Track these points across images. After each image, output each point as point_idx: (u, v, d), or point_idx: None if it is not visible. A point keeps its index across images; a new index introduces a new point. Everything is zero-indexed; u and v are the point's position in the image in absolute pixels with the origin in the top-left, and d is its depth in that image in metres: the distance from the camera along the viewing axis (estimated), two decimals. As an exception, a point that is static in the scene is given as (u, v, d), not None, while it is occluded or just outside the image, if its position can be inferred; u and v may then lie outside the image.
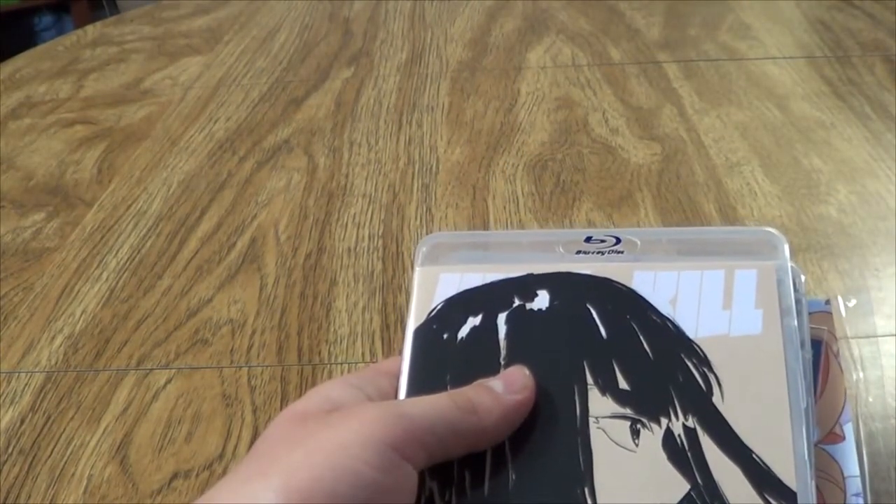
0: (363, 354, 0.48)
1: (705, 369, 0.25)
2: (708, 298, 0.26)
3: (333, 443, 0.23)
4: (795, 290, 0.26)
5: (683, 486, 0.24)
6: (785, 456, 0.23)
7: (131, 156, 0.74)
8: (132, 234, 0.62)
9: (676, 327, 0.26)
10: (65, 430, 0.45)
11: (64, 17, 2.72)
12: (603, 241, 0.28)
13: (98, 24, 1.12)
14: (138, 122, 0.81)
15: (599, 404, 0.25)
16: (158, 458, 0.43)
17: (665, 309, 0.26)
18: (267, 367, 0.48)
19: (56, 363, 0.50)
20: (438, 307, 0.29)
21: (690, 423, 0.24)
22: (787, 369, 0.24)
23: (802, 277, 0.28)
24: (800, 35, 0.88)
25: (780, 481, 0.23)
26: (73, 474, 0.42)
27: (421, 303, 0.29)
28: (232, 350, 0.50)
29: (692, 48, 0.86)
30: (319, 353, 0.49)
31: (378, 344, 0.49)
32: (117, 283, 0.57)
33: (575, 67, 0.84)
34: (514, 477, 0.25)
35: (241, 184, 0.67)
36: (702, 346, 0.25)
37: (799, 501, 0.23)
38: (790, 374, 0.24)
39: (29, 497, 0.41)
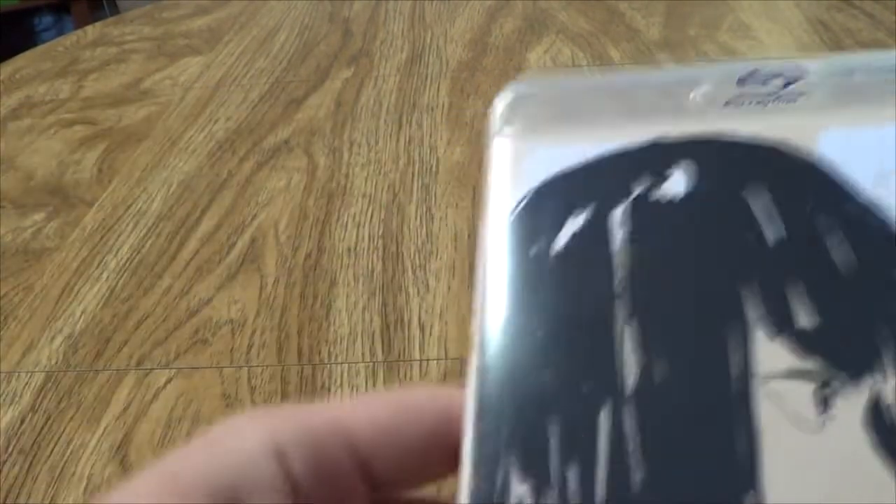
0: (363, 354, 0.48)
1: None
2: None
3: None
4: None
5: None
6: None
7: (131, 156, 0.74)
8: (132, 234, 0.62)
9: (889, 224, 0.16)
10: (65, 430, 0.45)
11: (64, 17, 2.73)
12: (767, 81, 0.18)
13: (98, 24, 1.12)
14: (138, 122, 0.81)
15: (768, 355, 0.16)
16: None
17: (872, 192, 0.16)
18: (267, 367, 0.48)
19: (56, 363, 0.50)
20: (521, 204, 0.18)
21: None
22: None
23: None
24: (800, 35, 0.88)
25: None
26: (73, 474, 0.42)
27: (499, 199, 0.18)
28: (232, 350, 0.50)
29: (692, 48, 0.86)
30: (319, 353, 0.49)
31: (378, 344, 0.49)
32: (117, 283, 0.57)
33: (575, 67, 0.84)
34: (638, 476, 0.15)
35: (241, 184, 0.67)
36: None
37: None
38: None
39: (29, 497, 0.41)
